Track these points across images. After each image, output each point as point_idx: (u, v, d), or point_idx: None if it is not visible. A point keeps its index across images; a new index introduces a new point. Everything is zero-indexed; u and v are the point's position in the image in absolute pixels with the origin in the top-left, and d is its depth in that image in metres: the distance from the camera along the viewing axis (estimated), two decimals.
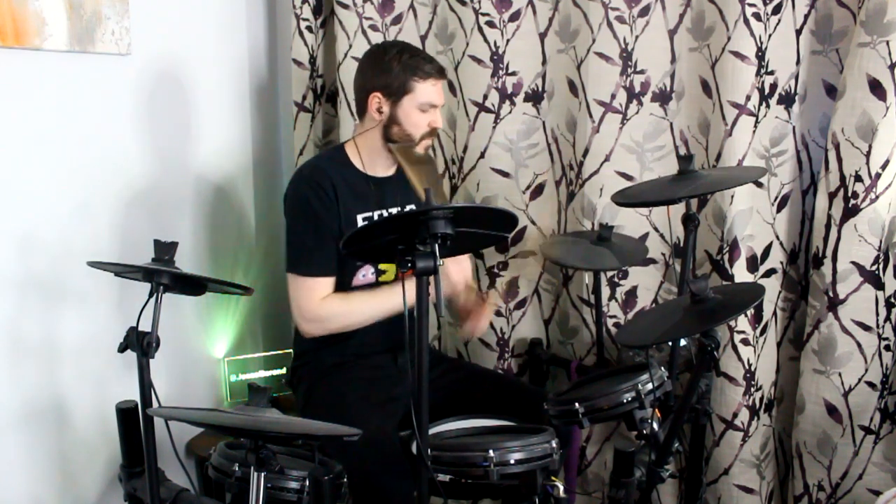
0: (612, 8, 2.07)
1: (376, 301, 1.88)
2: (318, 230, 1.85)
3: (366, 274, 1.94)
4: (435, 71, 1.88)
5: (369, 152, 1.94)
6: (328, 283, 1.87)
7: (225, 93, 2.28)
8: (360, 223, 1.91)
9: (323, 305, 1.85)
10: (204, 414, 1.52)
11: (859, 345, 1.94)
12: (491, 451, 1.50)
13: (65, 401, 1.80)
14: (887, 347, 1.95)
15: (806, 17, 1.95)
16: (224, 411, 1.50)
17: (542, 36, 2.22)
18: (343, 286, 1.92)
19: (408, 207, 1.98)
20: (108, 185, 1.87)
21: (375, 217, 1.93)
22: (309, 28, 2.26)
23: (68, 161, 1.76)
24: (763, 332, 2.06)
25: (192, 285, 1.56)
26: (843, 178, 1.88)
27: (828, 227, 1.93)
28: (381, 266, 1.95)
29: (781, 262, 2.09)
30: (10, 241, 1.64)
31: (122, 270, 1.54)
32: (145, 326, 1.46)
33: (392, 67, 1.84)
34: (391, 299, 1.85)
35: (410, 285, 1.73)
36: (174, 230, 2.07)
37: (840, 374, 1.96)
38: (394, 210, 1.96)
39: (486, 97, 2.25)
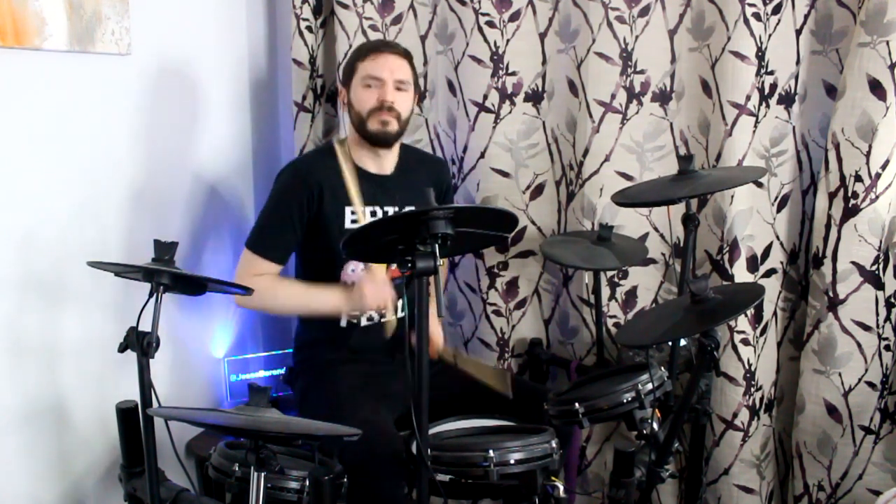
0: (612, 8, 2.07)
1: (302, 297, 1.94)
2: (283, 219, 1.91)
3: (355, 269, 1.95)
4: (377, 45, 1.95)
5: (355, 148, 1.99)
6: (269, 267, 1.92)
7: (225, 93, 2.28)
8: (349, 216, 1.93)
9: (253, 280, 1.87)
10: (204, 414, 1.52)
11: (859, 345, 1.94)
12: (491, 451, 1.50)
13: (65, 401, 1.80)
14: (887, 347, 1.95)
15: (806, 17, 1.95)
16: (224, 411, 1.50)
17: (542, 36, 2.22)
18: (331, 279, 1.94)
19: (406, 209, 1.99)
20: (108, 184, 1.87)
21: (367, 212, 1.94)
22: (309, 28, 2.25)
23: (68, 161, 1.76)
24: (763, 332, 2.06)
25: (192, 285, 1.56)
26: (843, 178, 1.88)
27: (828, 227, 1.93)
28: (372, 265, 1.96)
29: (781, 262, 2.09)
30: (10, 241, 1.64)
31: (122, 270, 1.54)
32: (145, 326, 1.46)
33: (347, 60, 1.99)
34: (318, 303, 1.92)
35: (334, 295, 1.88)
36: (174, 230, 2.07)
37: (840, 374, 1.96)
38: (388, 209, 1.98)
39: (486, 97, 2.25)
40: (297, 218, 1.90)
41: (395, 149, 2.02)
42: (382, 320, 1.99)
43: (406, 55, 1.95)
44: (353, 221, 1.94)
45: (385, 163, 2.00)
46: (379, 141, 1.94)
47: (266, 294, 1.88)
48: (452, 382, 1.98)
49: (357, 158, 1.98)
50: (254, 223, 1.98)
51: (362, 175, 1.97)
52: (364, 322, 1.98)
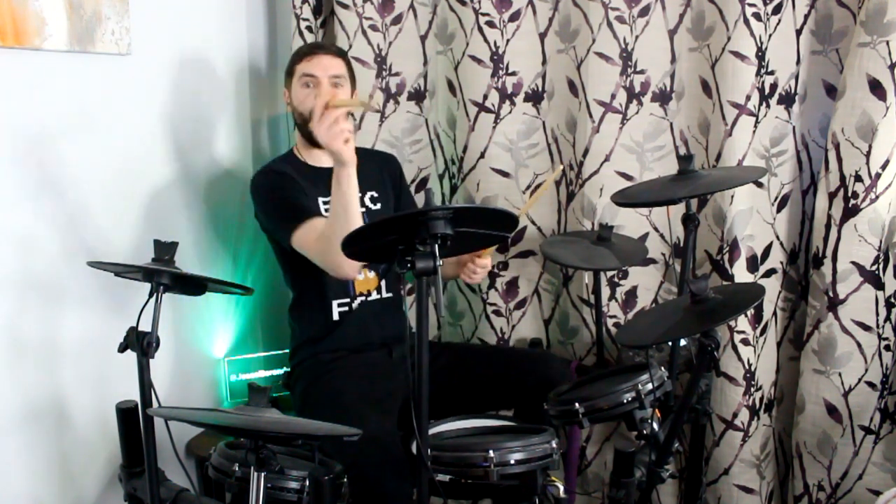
0: (612, 8, 2.07)
1: (335, 207, 1.77)
2: (288, 191, 1.92)
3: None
4: (312, 48, 2.01)
5: (305, 148, 2.04)
6: (316, 222, 1.83)
7: (225, 93, 2.28)
8: (322, 206, 1.94)
9: (317, 242, 1.79)
10: (204, 414, 1.52)
11: (859, 345, 1.94)
12: (491, 451, 1.50)
13: (65, 401, 1.80)
14: (887, 347, 1.95)
15: (806, 17, 1.95)
16: (224, 411, 1.50)
17: (542, 36, 2.22)
18: (319, 274, 1.90)
19: (368, 194, 2.03)
20: (108, 185, 1.87)
21: None
22: (309, 28, 2.25)
23: (68, 161, 1.76)
24: (763, 332, 2.06)
25: (192, 285, 1.56)
26: (843, 178, 1.88)
27: (828, 227, 1.93)
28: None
29: (781, 262, 2.09)
30: (10, 241, 1.64)
31: (122, 270, 1.54)
32: (145, 326, 1.46)
33: (289, 62, 2.03)
34: (338, 195, 1.75)
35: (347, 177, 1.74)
36: (174, 230, 2.07)
37: (840, 374, 1.96)
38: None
39: (486, 97, 2.25)
40: (295, 185, 1.93)
41: None
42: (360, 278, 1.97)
43: (341, 54, 2.03)
44: (327, 211, 1.91)
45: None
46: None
47: (324, 235, 1.78)
48: (453, 382, 1.98)
49: (308, 157, 2.04)
50: (276, 225, 1.93)
51: (319, 172, 1.99)
52: (355, 306, 1.99)
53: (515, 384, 1.94)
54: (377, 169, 2.09)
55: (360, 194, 1.92)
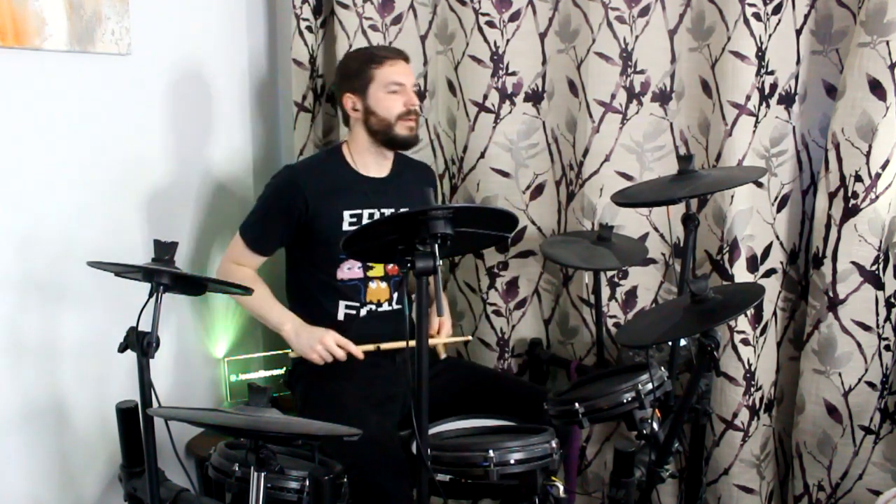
0: (612, 8, 2.07)
1: (259, 305, 1.99)
2: (273, 217, 1.97)
3: (352, 267, 1.96)
4: (389, 53, 1.99)
5: (360, 153, 2.02)
6: (252, 258, 2.00)
7: (225, 93, 2.28)
8: (347, 219, 1.95)
9: (232, 267, 2.01)
10: (204, 414, 1.52)
11: (859, 345, 1.94)
12: (491, 451, 1.50)
13: (65, 401, 1.80)
14: (887, 347, 1.95)
15: (806, 17, 1.95)
16: (224, 411, 1.50)
17: (542, 36, 2.22)
18: (328, 276, 1.96)
19: (401, 211, 1.99)
20: (108, 184, 1.87)
21: (366, 215, 1.97)
22: (309, 28, 2.25)
23: (68, 161, 1.76)
24: (763, 332, 2.06)
25: (192, 285, 1.56)
26: (843, 178, 1.88)
27: (828, 227, 1.92)
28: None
29: (781, 262, 2.09)
30: (10, 241, 1.64)
31: (122, 270, 1.54)
32: (145, 326, 1.46)
33: (351, 66, 2.00)
34: (269, 316, 1.99)
35: (287, 317, 1.96)
36: (174, 230, 2.07)
37: (840, 374, 1.96)
38: (386, 211, 2.00)
39: (486, 97, 2.25)
40: (287, 220, 1.95)
41: (392, 156, 2.06)
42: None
43: (409, 61, 2.03)
44: (352, 224, 1.95)
45: (383, 167, 2.05)
46: (407, 144, 2.00)
47: (232, 282, 1.89)
48: (452, 381, 1.98)
49: (359, 162, 2.01)
50: (250, 211, 2.02)
51: (361, 179, 2.00)
52: (363, 313, 1.99)
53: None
54: (414, 183, 2.07)
55: (392, 210, 2.01)
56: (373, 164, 2.02)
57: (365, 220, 1.96)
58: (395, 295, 2.03)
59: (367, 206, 1.98)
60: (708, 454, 2.12)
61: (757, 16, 1.92)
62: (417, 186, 2.05)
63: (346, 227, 1.95)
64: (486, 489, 1.68)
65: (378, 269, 2.00)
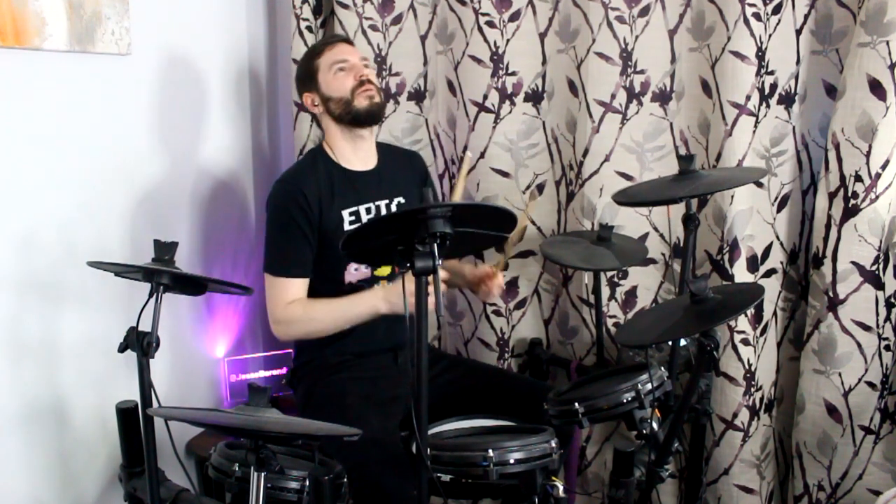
0: (612, 8, 2.07)
1: (338, 309, 1.90)
2: (292, 233, 1.90)
3: (358, 268, 1.95)
4: (326, 39, 2.04)
5: (338, 147, 2.00)
6: (299, 283, 1.91)
7: (225, 93, 2.28)
8: (347, 218, 1.94)
9: (287, 309, 1.89)
10: (204, 414, 1.52)
11: (859, 345, 1.94)
12: (491, 451, 1.50)
13: (65, 401, 1.80)
14: (887, 347, 1.95)
15: (806, 17, 1.95)
16: (224, 411, 1.50)
17: (542, 36, 2.22)
18: (335, 282, 1.94)
19: (395, 201, 2.02)
20: (108, 185, 1.87)
21: (362, 211, 1.96)
22: (309, 28, 2.26)
23: (68, 161, 1.76)
24: (763, 332, 2.06)
25: (192, 285, 1.56)
26: (843, 178, 1.88)
27: (828, 227, 1.93)
28: None
29: (781, 262, 2.09)
30: (10, 241, 1.64)
31: (122, 270, 1.54)
32: (145, 326, 1.46)
33: (299, 69, 2.05)
34: (353, 308, 1.89)
35: (370, 296, 1.87)
36: (174, 230, 2.07)
37: (840, 374, 1.96)
38: (380, 203, 2.00)
39: (486, 97, 2.25)
40: (307, 228, 1.90)
41: (373, 143, 2.04)
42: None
43: (351, 44, 2.06)
44: (352, 223, 1.94)
45: (368, 158, 2.02)
46: (371, 115, 1.95)
47: (303, 324, 1.91)
48: (452, 380, 1.98)
49: (342, 158, 1.99)
50: (265, 249, 1.94)
51: (349, 174, 1.98)
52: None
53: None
54: (403, 172, 2.08)
55: (386, 201, 1.99)
56: (353, 156, 1.99)
57: (363, 216, 1.95)
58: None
59: (361, 202, 1.96)
60: (708, 454, 2.12)
61: (757, 16, 1.92)
62: (406, 175, 2.08)
63: (346, 227, 1.94)
64: (485, 489, 1.69)
65: (384, 269, 1.99)
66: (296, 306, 1.89)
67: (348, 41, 2.06)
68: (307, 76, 1.99)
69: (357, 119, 1.94)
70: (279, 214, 1.92)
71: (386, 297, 1.86)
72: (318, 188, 1.92)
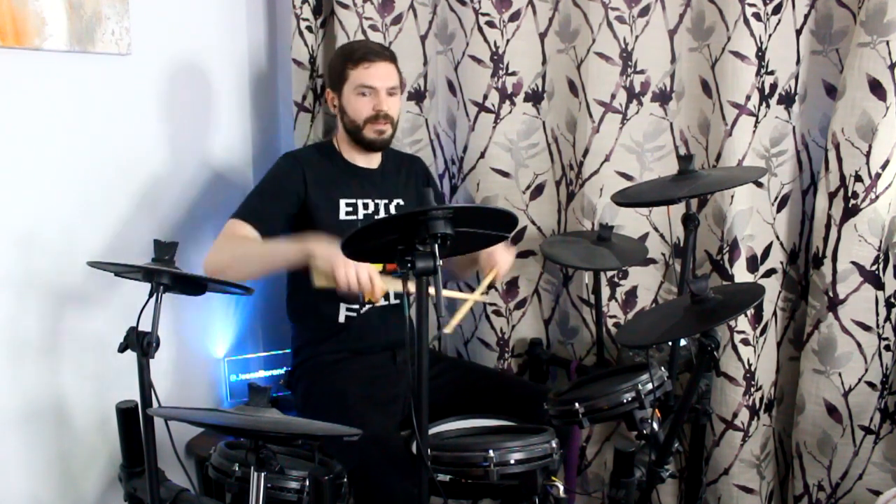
0: (612, 8, 2.07)
1: (264, 247, 1.85)
2: (273, 193, 1.93)
3: None
4: (367, 53, 1.96)
5: (346, 145, 2.05)
6: (250, 230, 1.87)
7: (225, 93, 2.28)
8: (343, 208, 1.97)
9: (223, 235, 1.87)
10: (204, 414, 1.52)
11: (859, 345, 1.94)
12: (491, 451, 1.50)
13: (65, 401, 1.80)
14: (887, 347, 1.95)
15: (806, 17, 1.95)
16: (224, 411, 1.50)
17: (542, 36, 2.22)
18: None
19: (394, 202, 2.05)
20: (108, 184, 1.87)
21: (360, 205, 2.00)
22: (309, 28, 2.25)
23: (68, 161, 1.76)
24: (763, 332, 2.06)
25: (192, 285, 1.56)
26: (843, 178, 1.88)
27: (828, 227, 1.93)
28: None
29: (781, 262, 2.09)
30: (10, 240, 1.64)
31: (122, 270, 1.54)
32: (145, 326, 1.46)
33: (333, 63, 2.01)
34: (285, 246, 1.80)
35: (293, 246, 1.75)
36: (174, 230, 2.07)
37: (840, 374, 1.96)
38: (379, 201, 2.03)
39: (486, 97, 2.25)
40: (293, 198, 1.93)
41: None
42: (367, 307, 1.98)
43: (393, 59, 2.01)
44: (348, 213, 1.96)
45: (372, 159, 2.08)
46: (375, 148, 2.02)
47: (233, 238, 1.85)
48: (452, 381, 1.98)
49: (347, 154, 2.05)
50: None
51: (354, 169, 2.04)
52: (363, 312, 1.99)
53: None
54: (403, 175, 2.13)
55: (385, 201, 2.03)
56: (359, 156, 2.05)
57: (360, 210, 2.00)
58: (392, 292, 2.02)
59: (361, 196, 2.01)
60: (708, 454, 2.12)
61: (757, 16, 1.92)
62: (408, 179, 2.11)
63: (342, 216, 1.97)
64: (486, 489, 1.68)
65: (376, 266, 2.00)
66: (232, 228, 1.87)
67: (390, 58, 2.00)
68: (337, 78, 1.99)
69: (360, 144, 2.01)
70: (271, 176, 1.97)
71: (322, 244, 1.72)
72: (318, 175, 1.97)
